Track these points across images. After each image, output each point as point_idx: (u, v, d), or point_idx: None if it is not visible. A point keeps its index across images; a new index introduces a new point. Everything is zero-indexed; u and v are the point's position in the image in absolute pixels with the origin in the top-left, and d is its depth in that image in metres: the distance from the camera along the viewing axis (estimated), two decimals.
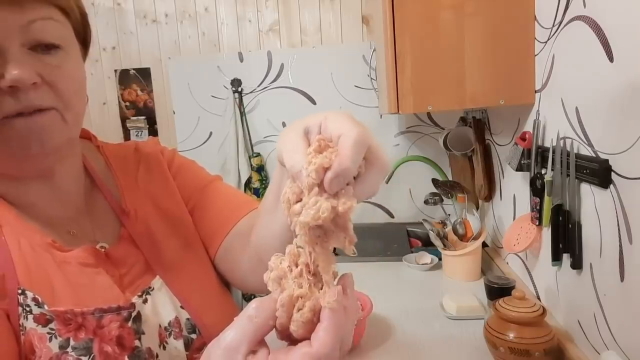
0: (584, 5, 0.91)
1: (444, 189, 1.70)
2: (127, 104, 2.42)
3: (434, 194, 1.71)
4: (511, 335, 0.95)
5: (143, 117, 2.41)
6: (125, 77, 2.40)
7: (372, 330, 1.16)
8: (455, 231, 1.56)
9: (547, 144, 1.11)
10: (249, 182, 2.24)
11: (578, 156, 0.95)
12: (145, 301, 0.59)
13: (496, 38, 1.21)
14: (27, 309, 0.51)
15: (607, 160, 0.85)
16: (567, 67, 1.01)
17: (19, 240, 0.54)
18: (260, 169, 2.25)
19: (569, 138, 1.00)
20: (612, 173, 0.84)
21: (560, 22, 1.02)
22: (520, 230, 1.22)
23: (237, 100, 2.23)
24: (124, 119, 2.43)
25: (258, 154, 2.25)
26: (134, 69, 2.38)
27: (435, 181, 1.76)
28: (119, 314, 0.55)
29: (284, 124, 2.25)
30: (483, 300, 1.28)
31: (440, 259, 1.61)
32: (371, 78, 2.20)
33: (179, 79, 2.31)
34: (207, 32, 2.31)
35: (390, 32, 1.24)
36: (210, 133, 2.31)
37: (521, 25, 1.20)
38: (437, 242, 1.57)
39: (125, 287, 0.59)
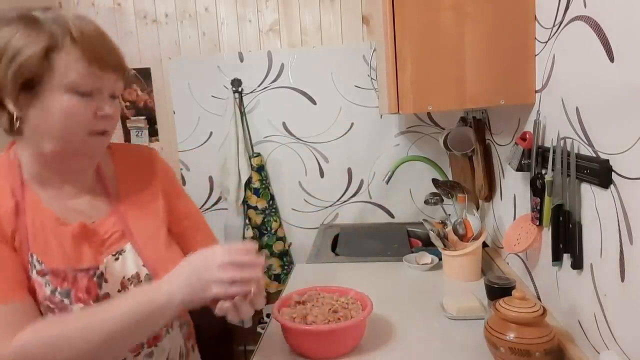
0: (585, 5, 0.91)
1: (444, 189, 1.70)
2: (127, 104, 2.42)
3: (434, 194, 1.71)
4: (511, 336, 0.95)
5: (143, 117, 2.41)
6: (125, 77, 2.40)
7: (372, 330, 1.16)
8: (455, 231, 1.56)
9: (548, 144, 1.11)
10: (249, 182, 2.24)
11: (578, 156, 0.95)
12: (117, 259, 0.85)
13: (496, 38, 1.21)
14: (34, 265, 0.78)
15: (607, 160, 0.85)
16: (568, 67, 1.01)
17: (35, 218, 0.80)
18: (261, 169, 2.25)
19: (570, 138, 1.00)
20: (613, 173, 0.84)
21: (561, 22, 1.02)
22: (520, 230, 1.22)
23: (237, 100, 2.23)
24: (124, 119, 2.42)
25: (258, 154, 2.25)
26: (134, 69, 2.38)
27: (435, 181, 1.76)
28: (87, 272, 0.81)
29: (284, 124, 2.26)
30: (483, 300, 1.28)
31: (440, 259, 1.61)
32: (371, 78, 2.20)
33: (179, 79, 2.31)
34: (207, 32, 2.31)
35: (390, 32, 1.24)
36: (211, 133, 2.32)
37: (521, 25, 1.19)
38: (437, 242, 1.57)
39: (105, 249, 0.85)
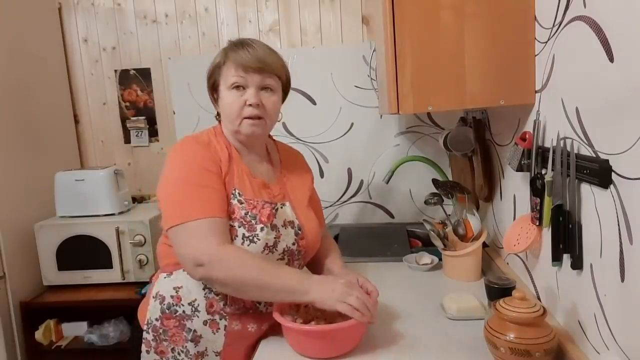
0: (584, 5, 0.91)
1: (444, 189, 1.70)
2: (127, 104, 2.42)
3: (434, 194, 1.71)
4: (512, 336, 0.95)
5: (143, 117, 2.41)
6: (125, 77, 2.40)
7: (372, 330, 1.16)
8: (455, 231, 1.56)
9: (547, 144, 1.11)
10: None
11: (578, 156, 0.95)
12: (281, 207, 1.21)
13: (496, 38, 1.21)
14: (235, 195, 1.15)
15: (607, 161, 0.85)
16: (567, 67, 1.01)
17: (237, 167, 1.18)
18: None
19: (569, 138, 1.00)
20: (613, 173, 0.84)
21: (560, 22, 1.02)
22: (520, 230, 1.22)
23: None
24: (124, 119, 2.43)
25: None
26: (134, 69, 2.38)
27: (435, 181, 1.76)
28: (270, 204, 1.18)
29: (284, 124, 2.25)
30: (483, 300, 1.28)
31: (440, 260, 1.61)
32: (371, 78, 2.20)
33: (179, 79, 2.31)
34: (207, 32, 2.31)
35: (390, 32, 1.24)
36: None
37: (521, 25, 1.20)
38: (437, 243, 1.57)
39: (276, 200, 1.22)
